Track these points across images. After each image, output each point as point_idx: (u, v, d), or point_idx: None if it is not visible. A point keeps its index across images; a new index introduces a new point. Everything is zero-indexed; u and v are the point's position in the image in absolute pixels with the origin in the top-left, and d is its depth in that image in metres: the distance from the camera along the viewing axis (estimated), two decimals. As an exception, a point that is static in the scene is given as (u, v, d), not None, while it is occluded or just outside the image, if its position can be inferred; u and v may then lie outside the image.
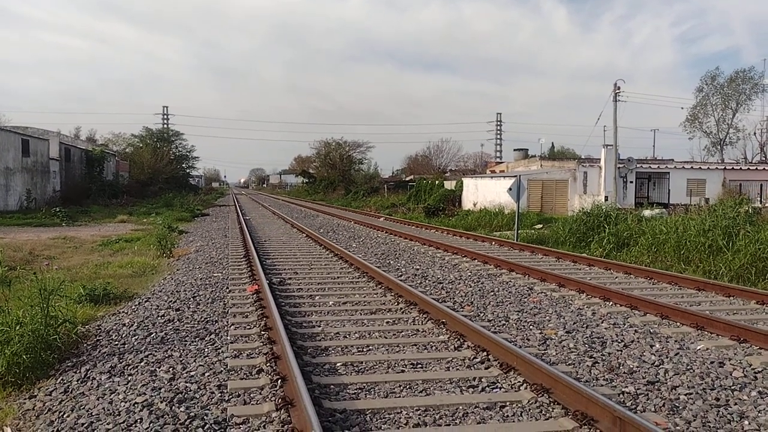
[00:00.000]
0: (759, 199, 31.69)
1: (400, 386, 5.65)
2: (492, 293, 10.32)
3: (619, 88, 34.42)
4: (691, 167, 39.52)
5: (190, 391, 5.44)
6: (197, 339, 7.23)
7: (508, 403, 5.24)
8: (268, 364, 6.08)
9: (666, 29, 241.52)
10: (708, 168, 39.28)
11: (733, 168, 40.06)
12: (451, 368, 6.22)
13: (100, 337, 7.44)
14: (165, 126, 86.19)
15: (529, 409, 5.13)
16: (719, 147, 65.95)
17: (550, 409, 5.10)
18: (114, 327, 7.92)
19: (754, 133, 62.08)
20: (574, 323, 8.19)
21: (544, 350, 6.90)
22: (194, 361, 6.35)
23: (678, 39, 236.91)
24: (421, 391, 5.53)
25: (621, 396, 5.46)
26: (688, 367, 6.30)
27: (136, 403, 5.13)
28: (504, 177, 37.63)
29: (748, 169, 40.20)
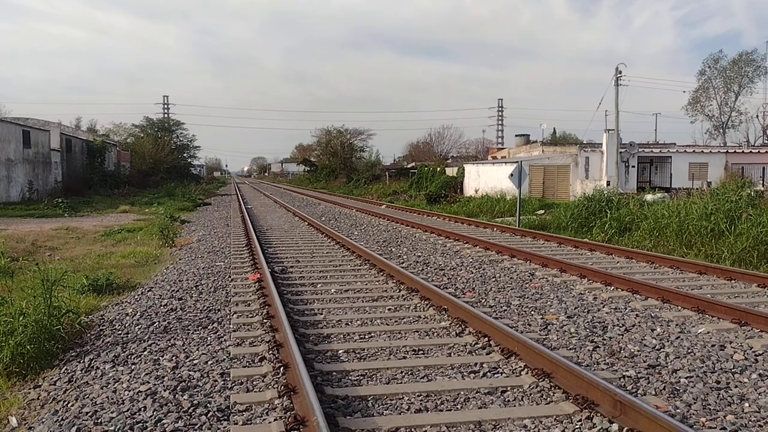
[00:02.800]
0: (761, 182, 31.59)
1: (401, 372, 5.68)
2: (493, 279, 10.34)
3: (620, 72, 34.27)
4: (693, 151, 39.36)
5: (193, 379, 5.47)
6: (200, 328, 7.27)
7: (509, 388, 5.27)
8: (270, 352, 6.11)
9: (666, 13, 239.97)
10: (710, 152, 39.12)
11: (735, 151, 39.90)
12: (452, 354, 6.25)
13: (104, 327, 7.48)
14: (165, 115, 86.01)
15: (530, 394, 5.15)
16: (721, 130, 65.70)
17: (551, 394, 5.13)
18: (117, 317, 7.96)
19: (757, 116, 61.85)
20: (576, 308, 8.21)
21: (546, 335, 6.92)
22: (197, 349, 6.39)
23: (678, 23, 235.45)
24: (422, 377, 5.56)
25: (622, 380, 5.48)
26: (689, 351, 6.32)
27: (139, 391, 5.17)
28: (505, 163, 37.54)
29: (751, 152, 40.05)
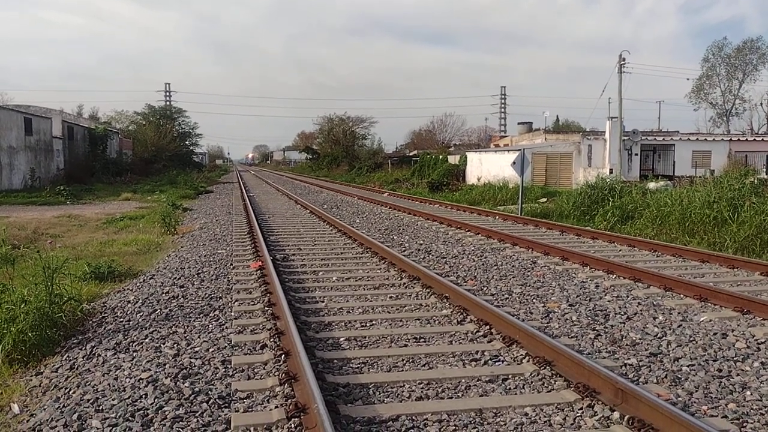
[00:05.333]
0: (765, 170, 31.48)
1: (402, 360, 5.68)
2: (495, 267, 10.33)
3: (624, 59, 34.08)
4: (697, 139, 39.22)
5: (195, 366, 5.48)
6: (201, 315, 7.27)
7: (510, 376, 5.27)
8: (271, 340, 6.11)
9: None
10: (713, 139, 38.98)
11: (738, 139, 39.74)
12: (453, 342, 6.25)
13: (106, 314, 7.49)
14: (168, 103, 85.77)
15: (532, 382, 5.15)
16: (725, 118, 65.45)
17: (552, 382, 5.12)
18: (119, 304, 7.97)
19: (761, 104, 61.56)
20: (578, 296, 8.20)
21: (547, 323, 6.91)
22: (198, 337, 6.39)
23: (682, 8, 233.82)
24: (423, 365, 5.56)
25: (623, 368, 5.47)
26: (691, 339, 6.31)
27: (141, 378, 5.17)
28: (508, 151, 37.42)
29: (754, 140, 39.88)
